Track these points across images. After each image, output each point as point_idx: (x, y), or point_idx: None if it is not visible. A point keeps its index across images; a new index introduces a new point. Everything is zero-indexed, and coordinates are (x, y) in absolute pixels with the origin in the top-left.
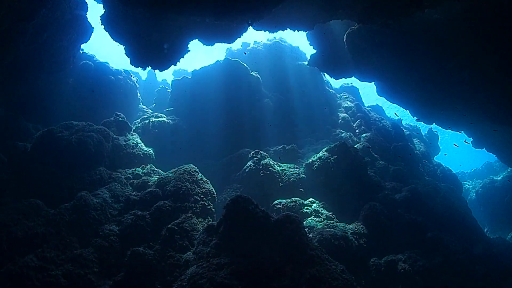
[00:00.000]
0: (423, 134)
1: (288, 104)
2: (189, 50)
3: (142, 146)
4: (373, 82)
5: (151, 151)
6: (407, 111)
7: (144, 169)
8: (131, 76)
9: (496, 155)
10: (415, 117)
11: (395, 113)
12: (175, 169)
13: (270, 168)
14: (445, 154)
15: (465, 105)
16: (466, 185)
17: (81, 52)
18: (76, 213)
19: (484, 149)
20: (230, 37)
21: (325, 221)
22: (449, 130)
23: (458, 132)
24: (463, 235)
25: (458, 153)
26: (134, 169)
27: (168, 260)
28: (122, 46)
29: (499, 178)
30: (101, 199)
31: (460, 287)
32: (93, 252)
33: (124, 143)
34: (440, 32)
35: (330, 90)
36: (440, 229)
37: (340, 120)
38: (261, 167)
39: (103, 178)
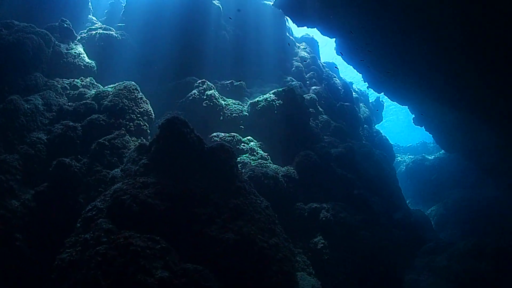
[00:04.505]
0: (370, 101)
1: (245, 41)
2: None
3: (84, 57)
4: (334, 40)
5: (94, 64)
6: (360, 75)
7: (83, 81)
8: None
9: (432, 135)
10: (366, 83)
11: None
12: (115, 85)
13: (214, 100)
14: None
15: (418, 79)
16: (399, 158)
17: None
18: (3, 117)
19: (423, 127)
20: None
21: (259, 160)
22: (394, 102)
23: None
24: (387, 200)
25: (398, 127)
26: (72, 80)
27: (95, 175)
28: None
29: (430, 157)
30: (32, 105)
31: (376, 245)
32: (18, 159)
33: (66, 51)
34: (411, 1)
35: (290, 37)
36: (367, 190)
37: (293, 69)
38: (205, 97)
39: (38, 85)
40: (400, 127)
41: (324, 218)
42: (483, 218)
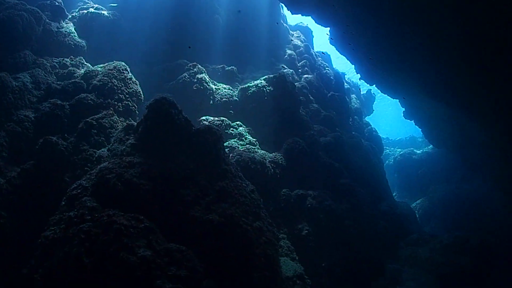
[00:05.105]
0: (361, 93)
1: (238, 26)
2: None
3: (75, 36)
4: (328, 29)
5: (84, 43)
6: (353, 66)
7: (72, 60)
8: None
9: (422, 129)
10: (359, 75)
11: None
12: (104, 64)
13: (204, 84)
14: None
15: (410, 72)
16: (388, 151)
17: None
18: None
19: (413, 121)
20: None
21: (247, 145)
22: (385, 95)
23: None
24: (373, 191)
25: (389, 120)
26: (62, 58)
27: (81, 154)
28: None
29: (418, 151)
30: (21, 83)
31: (360, 234)
32: (4, 136)
33: (56, 30)
34: None
35: (284, 24)
36: (354, 179)
37: (286, 56)
38: (195, 80)
39: (27, 63)
40: (391, 121)
41: (309, 205)
42: (468, 213)
